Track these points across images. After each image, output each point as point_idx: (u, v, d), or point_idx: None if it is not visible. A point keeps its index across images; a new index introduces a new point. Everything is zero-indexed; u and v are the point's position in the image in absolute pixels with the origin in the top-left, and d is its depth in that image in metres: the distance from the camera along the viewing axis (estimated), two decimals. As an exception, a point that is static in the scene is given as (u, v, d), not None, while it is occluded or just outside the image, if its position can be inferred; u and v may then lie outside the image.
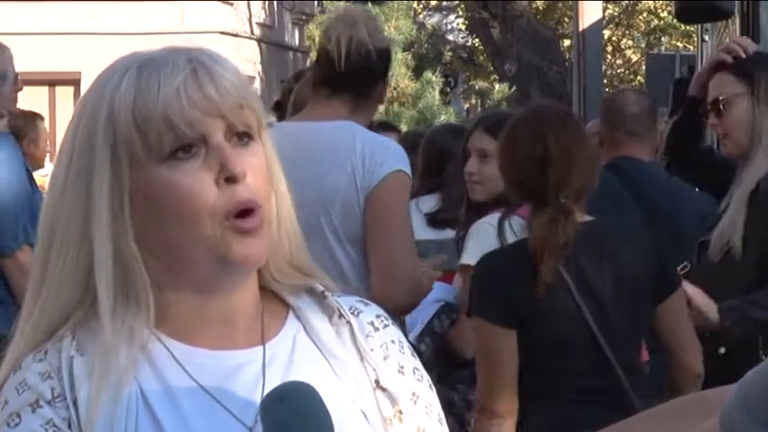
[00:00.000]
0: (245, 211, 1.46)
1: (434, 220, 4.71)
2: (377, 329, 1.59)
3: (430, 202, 4.87)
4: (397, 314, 3.70)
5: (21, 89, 4.84)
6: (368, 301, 1.63)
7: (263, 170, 1.49)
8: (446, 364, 4.35)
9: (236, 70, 1.51)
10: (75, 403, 1.43)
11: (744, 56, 3.75)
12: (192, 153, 1.46)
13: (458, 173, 4.59)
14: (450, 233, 4.64)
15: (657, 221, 4.23)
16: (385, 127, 6.55)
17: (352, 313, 1.58)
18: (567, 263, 3.35)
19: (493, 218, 3.94)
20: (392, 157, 3.60)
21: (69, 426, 1.43)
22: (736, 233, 3.50)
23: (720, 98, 3.74)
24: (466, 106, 27.66)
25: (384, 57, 3.76)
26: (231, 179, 1.45)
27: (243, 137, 1.48)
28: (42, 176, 8.89)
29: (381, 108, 17.24)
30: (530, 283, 3.32)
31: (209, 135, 1.46)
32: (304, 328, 1.56)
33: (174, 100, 1.44)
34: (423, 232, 4.67)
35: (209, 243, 1.45)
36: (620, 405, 3.33)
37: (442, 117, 16.47)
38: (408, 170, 3.64)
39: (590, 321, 3.36)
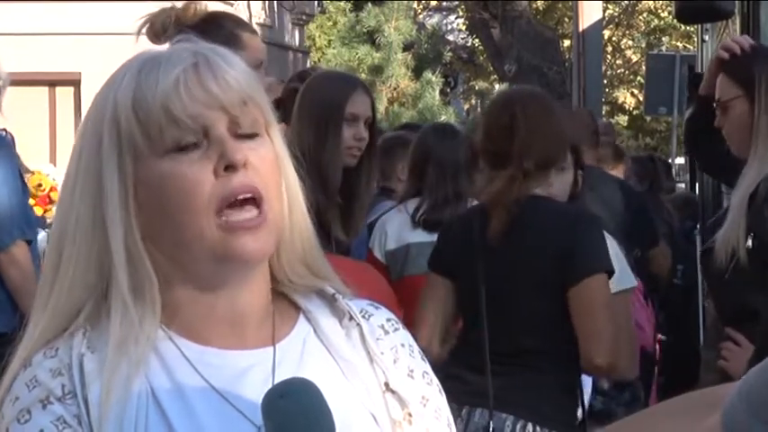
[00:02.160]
0: (245, 201, 1.45)
1: (423, 222, 4.65)
2: (387, 333, 1.59)
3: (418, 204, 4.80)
4: None
5: None
6: (378, 305, 1.63)
7: (268, 161, 1.48)
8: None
9: (242, 66, 1.50)
10: (85, 400, 1.43)
11: (739, 52, 3.67)
12: (194, 145, 1.45)
13: (441, 173, 4.61)
14: None
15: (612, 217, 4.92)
16: (411, 129, 6.43)
17: (363, 316, 1.58)
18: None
19: None
20: None
21: (80, 423, 1.43)
22: (740, 241, 3.39)
23: (720, 100, 3.71)
24: (466, 107, 27.62)
25: None
26: (230, 167, 1.44)
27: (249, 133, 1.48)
28: (44, 175, 8.88)
29: (381, 108, 17.22)
30: (468, 238, 3.65)
31: (211, 127, 1.45)
32: (314, 330, 1.57)
33: (173, 92, 1.44)
34: (413, 235, 4.64)
35: (206, 240, 1.45)
36: (474, 384, 3.46)
37: (442, 117, 16.44)
38: None
39: (482, 294, 3.57)
